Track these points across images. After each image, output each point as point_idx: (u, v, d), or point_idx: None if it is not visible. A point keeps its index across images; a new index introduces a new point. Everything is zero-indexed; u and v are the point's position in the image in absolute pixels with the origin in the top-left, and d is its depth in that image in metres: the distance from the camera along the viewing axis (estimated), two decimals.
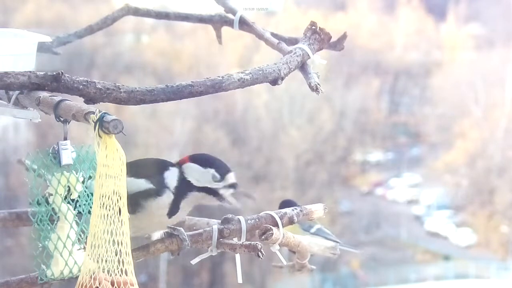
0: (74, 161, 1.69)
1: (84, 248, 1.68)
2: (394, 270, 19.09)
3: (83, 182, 1.71)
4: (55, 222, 1.69)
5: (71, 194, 1.70)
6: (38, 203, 1.68)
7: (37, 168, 1.67)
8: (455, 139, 21.75)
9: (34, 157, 1.68)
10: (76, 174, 1.70)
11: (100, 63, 19.56)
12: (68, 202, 1.70)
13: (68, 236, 1.69)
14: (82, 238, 1.70)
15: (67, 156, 1.67)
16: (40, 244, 1.68)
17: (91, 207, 1.68)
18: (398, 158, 22.89)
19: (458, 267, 19.49)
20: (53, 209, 1.69)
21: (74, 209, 1.70)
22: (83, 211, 1.71)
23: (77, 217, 1.71)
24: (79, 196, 1.71)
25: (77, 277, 1.63)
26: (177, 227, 1.82)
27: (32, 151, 1.68)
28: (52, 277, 1.69)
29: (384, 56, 23.29)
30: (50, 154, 1.68)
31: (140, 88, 1.61)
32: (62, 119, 1.61)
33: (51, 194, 1.69)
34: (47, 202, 1.69)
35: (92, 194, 1.68)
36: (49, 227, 1.68)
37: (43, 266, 1.68)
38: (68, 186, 1.70)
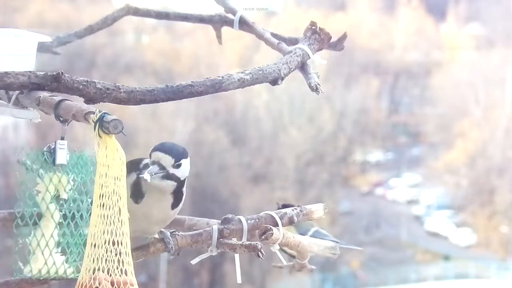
0: (68, 162, 1.68)
1: (61, 253, 1.68)
2: (394, 270, 19.09)
3: (73, 185, 1.70)
4: (40, 220, 1.69)
5: (60, 195, 1.70)
6: (26, 200, 1.68)
7: (30, 164, 1.67)
8: (455, 139, 21.73)
9: (28, 153, 1.68)
10: (68, 176, 1.69)
11: (100, 63, 19.54)
12: (56, 202, 1.70)
13: (51, 236, 1.68)
14: (62, 242, 1.69)
15: (62, 156, 1.67)
16: (21, 241, 1.67)
17: (77, 211, 1.68)
18: (398, 158, 22.87)
19: (458, 267, 19.49)
20: (40, 207, 1.69)
21: (61, 211, 1.70)
22: (69, 213, 1.70)
23: (62, 219, 1.70)
24: (66, 198, 1.70)
25: (52, 279, 1.63)
26: (163, 230, 1.82)
27: (28, 149, 1.68)
28: (30, 274, 1.67)
29: (384, 56, 23.27)
30: (45, 152, 1.67)
31: (140, 88, 1.62)
32: (62, 119, 1.61)
33: (39, 192, 1.69)
34: (35, 200, 1.68)
35: (80, 199, 1.68)
36: (32, 225, 1.68)
37: (20, 263, 1.67)
38: (58, 187, 1.70)
